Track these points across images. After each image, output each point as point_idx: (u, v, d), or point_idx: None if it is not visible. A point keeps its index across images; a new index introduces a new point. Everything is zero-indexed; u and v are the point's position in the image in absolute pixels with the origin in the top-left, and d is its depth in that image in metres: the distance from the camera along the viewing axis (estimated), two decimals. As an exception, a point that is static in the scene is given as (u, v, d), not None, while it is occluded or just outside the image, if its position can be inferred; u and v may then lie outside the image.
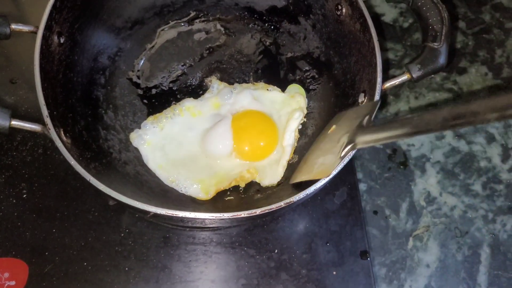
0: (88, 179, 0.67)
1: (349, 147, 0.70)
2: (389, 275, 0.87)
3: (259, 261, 0.85)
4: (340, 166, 0.71)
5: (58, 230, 0.85)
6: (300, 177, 0.80)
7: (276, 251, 0.86)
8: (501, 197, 0.95)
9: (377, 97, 0.76)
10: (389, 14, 1.11)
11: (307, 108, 0.92)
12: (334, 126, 0.81)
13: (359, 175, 0.95)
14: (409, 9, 1.08)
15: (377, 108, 0.74)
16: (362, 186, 0.94)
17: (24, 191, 0.87)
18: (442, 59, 0.78)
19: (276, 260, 0.85)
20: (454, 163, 0.98)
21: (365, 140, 0.69)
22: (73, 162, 0.68)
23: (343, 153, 0.71)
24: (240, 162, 0.85)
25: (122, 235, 0.85)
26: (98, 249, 0.84)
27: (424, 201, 0.94)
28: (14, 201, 0.86)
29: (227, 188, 0.84)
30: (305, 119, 0.91)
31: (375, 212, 0.92)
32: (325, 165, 0.74)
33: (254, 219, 0.77)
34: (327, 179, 0.71)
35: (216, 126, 0.84)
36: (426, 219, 0.92)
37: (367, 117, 0.72)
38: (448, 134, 1.00)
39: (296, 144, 0.89)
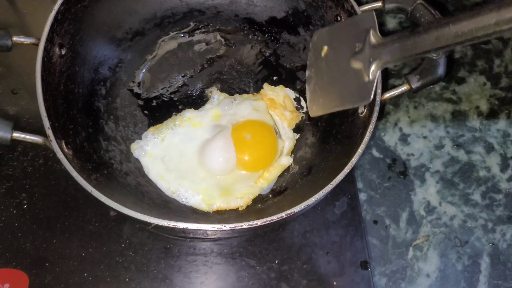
0: (89, 191, 0.67)
1: (373, 67, 0.66)
2: (389, 285, 0.87)
3: (260, 271, 0.85)
4: (374, 89, 0.68)
5: (58, 241, 0.85)
6: (320, 111, 0.78)
7: (276, 262, 0.86)
8: (501, 207, 0.95)
9: (376, 107, 0.76)
10: (389, 24, 1.12)
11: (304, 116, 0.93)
12: (326, 47, 0.76)
13: (359, 185, 0.95)
14: (408, 19, 1.09)
15: (375, 20, 0.69)
16: (362, 196, 0.94)
17: (25, 202, 0.87)
18: (440, 70, 0.79)
19: (277, 271, 0.85)
20: (454, 172, 0.98)
21: (394, 57, 0.64)
22: (74, 174, 0.68)
23: (371, 76, 0.66)
24: (240, 173, 0.85)
25: (123, 245, 0.85)
26: (98, 260, 0.84)
27: (424, 211, 0.94)
28: (15, 211, 0.86)
29: (229, 209, 0.84)
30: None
31: (375, 222, 0.92)
32: (352, 93, 0.70)
33: (255, 229, 0.77)
34: (329, 188, 0.71)
35: (214, 144, 0.84)
36: (426, 228, 0.92)
37: (371, 32, 0.67)
38: (447, 143, 1.00)
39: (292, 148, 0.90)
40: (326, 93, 0.77)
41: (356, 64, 0.68)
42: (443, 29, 0.55)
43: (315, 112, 0.80)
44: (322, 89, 0.78)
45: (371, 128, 0.75)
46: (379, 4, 0.85)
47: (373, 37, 0.67)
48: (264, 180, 0.83)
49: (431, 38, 0.57)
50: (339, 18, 0.88)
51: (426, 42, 0.58)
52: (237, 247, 0.86)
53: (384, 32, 1.11)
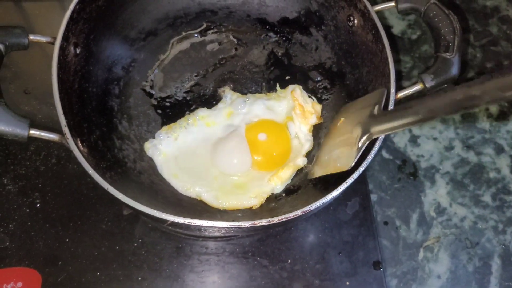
0: (106, 188, 0.67)
1: (364, 137, 0.71)
2: (400, 286, 0.87)
3: (272, 271, 0.85)
4: (357, 157, 0.71)
5: (71, 240, 0.85)
6: (318, 172, 0.81)
7: (289, 261, 0.86)
8: (511, 208, 0.95)
9: (390, 106, 0.77)
10: (398, 26, 1.13)
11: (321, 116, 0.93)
12: (342, 119, 0.81)
13: (369, 186, 0.95)
14: (417, 21, 1.10)
15: (385, 96, 0.76)
16: (373, 197, 0.94)
17: (38, 201, 0.87)
18: (455, 69, 0.79)
19: (289, 271, 0.85)
20: (464, 174, 0.98)
21: (380, 129, 0.70)
22: (91, 171, 0.68)
23: (360, 144, 0.71)
24: (254, 172, 0.85)
25: (135, 245, 0.85)
26: (111, 259, 0.84)
27: (434, 212, 0.94)
28: (28, 210, 0.86)
29: (243, 208, 0.83)
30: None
31: (386, 223, 0.92)
32: (343, 158, 0.75)
33: (269, 228, 0.77)
34: (345, 186, 0.71)
35: (228, 144, 0.85)
36: (437, 230, 0.92)
37: (376, 106, 0.73)
38: (457, 145, 1.00)
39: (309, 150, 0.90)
40: (324, 158, 0.82)
41: (356, 132, 0.73)
42: (434, 100, 0.61)
43: (313, 175, 0.83)
44: (321, 156, 0.84)
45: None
46: (392, 4, 0.85)
47: (376, 111, 0.73)
48: (278, 179, 0.83)
49: (423, 110, 0.62)
50: (351, 18, 0.88)
51: (418, 114, 0.63)
52: (249, 246, 0.86)
53: (392, 34, 1.11)
